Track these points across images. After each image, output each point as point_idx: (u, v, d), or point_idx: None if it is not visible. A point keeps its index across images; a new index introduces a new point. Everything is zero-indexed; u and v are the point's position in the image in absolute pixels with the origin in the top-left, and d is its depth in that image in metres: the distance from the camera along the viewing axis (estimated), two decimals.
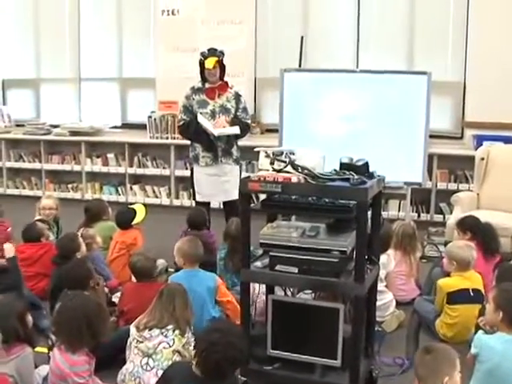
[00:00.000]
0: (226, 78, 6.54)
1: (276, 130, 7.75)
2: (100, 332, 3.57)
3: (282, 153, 3.56)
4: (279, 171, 3.49)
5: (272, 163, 3.50)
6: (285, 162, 3.51)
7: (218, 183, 6.47)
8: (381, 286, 4.83)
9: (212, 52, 6.36)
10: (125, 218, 6.02)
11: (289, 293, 4.00)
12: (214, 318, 4.52)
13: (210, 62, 6.27)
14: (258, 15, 8.56)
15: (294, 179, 3.44)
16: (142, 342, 3.82)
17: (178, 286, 4.08)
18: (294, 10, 8.54)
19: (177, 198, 8.70)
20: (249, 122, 6.54)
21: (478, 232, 5.21)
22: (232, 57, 8.25)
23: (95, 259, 5.27)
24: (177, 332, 3.85)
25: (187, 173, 8.45)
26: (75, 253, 5.03)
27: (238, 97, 6.42)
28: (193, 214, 6.13)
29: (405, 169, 6.47)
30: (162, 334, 3.83)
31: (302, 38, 8.26)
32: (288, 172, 3.49)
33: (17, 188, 9.54)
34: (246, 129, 6.49)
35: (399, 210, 7.76)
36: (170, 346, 3.81)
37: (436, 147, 7.47)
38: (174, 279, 4.58)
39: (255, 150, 3.71)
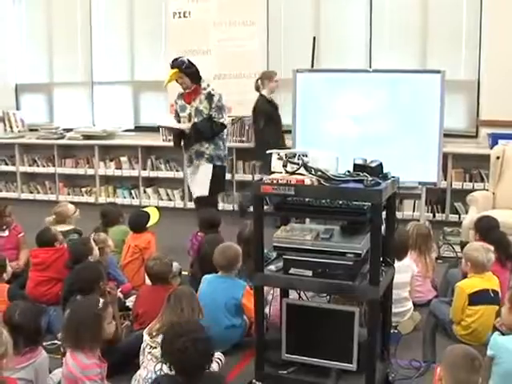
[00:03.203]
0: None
1: (289, 131, 7.73)
2: (95, 337, 3.56)
3: (294, 155, 3.51)
4: (292, 173, 3.45)
5: (285, 165, 3.47)
6: (297, 164, 3.46)
7: (192, 181, 6.91)
8: (405, 292, 4.79)
9: (171, 64, 6.65)
10: (139, 221, 6.00)
11: (303, 296, 3.97)
12: (232, 327, 4.52)
13: (169, 77, 6.73)
14: (269, 16, 8.54)
15: (307, 181, 3.39)
16: (155, 348, 3.78)
17: (185, 290, 4.06)
18: (306, 10, 8.54)
19: (190, 200, 8.64)
20: (222, 120, 6.63)
21: (488, 237, 5.11)
22: (244, 58, 8.34)
23: (109, 263, 5.26)
24: None
25: None
26: (87, 257, 5.00)
27: (209, 97, 6.60)
28: (203, 216, 6.11)
29: (419, 168, 6.40)
30: None
31: (315, 38, 8.22)
32: (301, 174, 3.45)
33: (31, 192, 9.57)
34: (219, 128, 6.65)
35: (414, 211, 7.69)
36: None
37: (450, 146, 7.40)
38: (205, 280, 4.65)
39: (267, 152, 3.67)
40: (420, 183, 6.59)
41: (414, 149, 6.44)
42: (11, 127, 9.81)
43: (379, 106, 6.59)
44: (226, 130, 6.89)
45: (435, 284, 5.48)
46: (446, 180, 7.50)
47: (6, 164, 9.58)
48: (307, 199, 3.56)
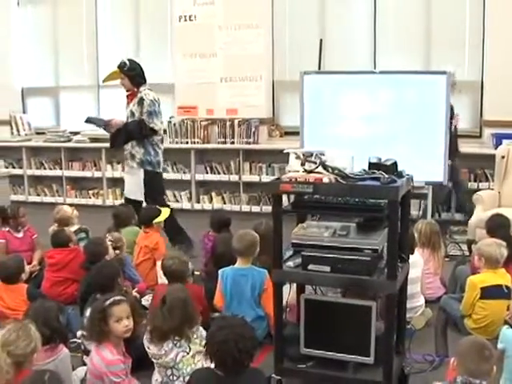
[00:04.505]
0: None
1: (295, 133, 7.84)
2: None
3: (311, 154, 3.60)
4: (310, 172, 3.54)
5: (303, 164, 3.55)
6: (315, 162, 3.55)
7: (127, 182, 6.98)
8: (417, 288, 4.88)
9: (118, 65, 6.71)
10: (148, 214, 6.09)
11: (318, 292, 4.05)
12: (258, 318, 4.60)
13: (108, 74, 6.99)
14: (274, 19, 8.66)
15: (326, 180, 3.48)
16: (159, 358, 3.82)
17: (180, 294, 3.96)
18: (311, 12, 8.64)
19: (198, 202, 8.77)
20: (152, 125, 6.63)
21: (496, 235, 5.17)
22: (249, 61, 8.43)
23: (125, 262, 5.35)
24: (186, 338, 3.86)
25: (208, 177, 8.60)
26: (103, 257, 5.10)
27: (141, 101, 6.63)
28: (214, 216, 6.20)
29: (425, 168, 6.47)
30: (176, 345, 3.81)
31: (321, 40, 8.31)
32: (319, 173, 3.54)
33: (38, 195, 9.66)
34: (148, 131, 6.63)
35: (420, 210, 7.77)
36: (187, 353, 3.82)
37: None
38: (224, 274, 4.72)
39: (284, 151, 3.76)
40: (426, 183, 6.68)
41: (421, 149, 6.51)
42: (18, 131, 9.90)
43: (386, 107, 6.67)
44: (159, 137, 6.83)
45: (444, 281, 5.57)
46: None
47: (14, 167, 9.65)
48: (323, 197, 3.65)
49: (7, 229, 6.06)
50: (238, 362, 3.15)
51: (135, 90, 6.66)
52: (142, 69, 6.72)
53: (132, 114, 6.66)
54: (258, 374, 3.35)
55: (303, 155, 3.61)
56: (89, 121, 6.95)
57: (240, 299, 4.63)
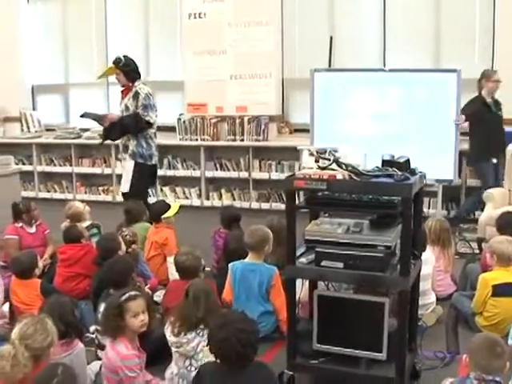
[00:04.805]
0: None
1: (304, 130, 7.86)
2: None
3: (325, 151, 3.63)
4: (324, 168, 3.56)
5: (317, 161, 3.57)
6: (329, 159, 3.57)
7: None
8: (428, 285, 4.90)
9: (113, 61, 6.83)
10: (158, 209, 6.13)
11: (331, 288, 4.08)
12: (266, 313, 4.64)
13: (104, 70, 7.14)
14: (284, 16, 8.65)
15: (339, 176, 3.50)
16: (181, 346, 3.87)
17: (203, 286, 4.08)
18: (320, 10, 8.65)
19: (207, 198, 8.79)
20: (147, 118, 6.70)
21: (507, 233, 5.18)
22: (259, 58, 8.44)
23: (138, 258, 5.39)
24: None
25: (217, 174, 8.62)
26: (116, 252, 5.12)
27: (136, 95, 6.71)
28: (224, 213, 6.22)
29: (435, 166, 6.46)
30: (198, 334, 3.85)
31: (332, 38, 8.31)
32: (332, 169, 3.56)
33: (48, 191, 9.71)
34: (143, 124, 6.69)
35: (429, 207, 7.78)
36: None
37: (465, 144, 7.47)
38: (234, 268, 4.76)
39: (298, 148, 3.79)
40: (436, 180, 6.69)
41: (431, 147, 6.55)
42: (28, 127, 9.94)
43: (396, 104, 6.70)
44: (153, 130, 6.87)
45: (455, 278, 5.57)
46: (460, 177, 7.56)
47: (24, 163, 9.67)
48: (337, 194, 3.68)
49: (20, 225, 6.08)
50: (243, 356, 3.17)
51: (130, 84, 6.76)
52: (136, 65, 6.83)
53: (127, 108, 6.74)
54: (262, 366, 3.36)
55: (317, 152, 3.63)
56: (84, 115, 7.02)
57: (248, 294, 4.67)
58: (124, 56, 6.81)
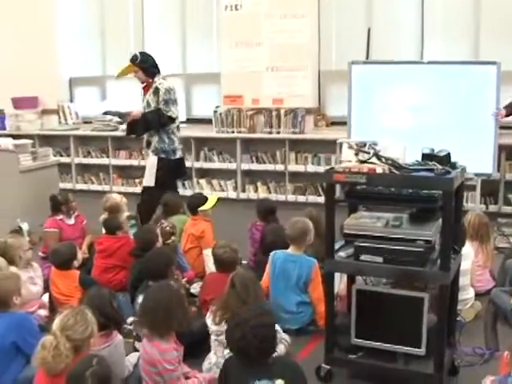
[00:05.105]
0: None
1: (341, 123, 7.82)
2: (185, 318, 3.67)
3: (365, 144, 3.60)
4: (364, 162, 3.53)
5: (357, 154, 3.55)
6: (368, 153, 3.55)
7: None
8: (467, 280, 4.85)
9: (130, 59, 6.79)
10: (195, 201, 6.12)
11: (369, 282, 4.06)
12: (303, 303, 4.63)
13: (122, 69, 6.96)
14: (320, 8, 8.59)
15: (379, 170, 3.48)
16: (221, 335, 3.87)
17: (249, 275, 4.15)
18: (357, 1, 8.57)
19: (243, 191, 8.79)
20: (170, 113, 6.71)
21: None
22: (295, 50, 8.42)
23: (177, 250, 5.42)
24: None
25: (253, 166, 8.62)
26: (154, 244, 5.16)
27: (156, 91, 6.70)
28: (260, 205, 6.21)
29: (474, 160, 6.37)
30: None
31: (369, 29, 8.24)
32: (372, 163, 3.53)
33: (85, 183, 9.79)
34: (166, 120, 6.70)
35: (467, 202, 7.67)
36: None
37: (505, 138, 7.36)
38: (274, 257, 4.77)
39: (338, 141, 3.78)
40: (475, 174, 6.61)
41: (469, 140, 6.46)
42: (66, 120, 10.04)
43: (434, 97, 6.62)
44: (175, 124, 6.88)
45: (493, 274, 5.50)
46: (499, 172, 7.45)
47: (62, 155, 9.77)
48: (376, 187, 3.65)
49: (60, 217, 6.14)
50: (262, 350, 3.16)
51: (150, 80, 6.75)
52: (154, 59, 6.80)
53: (148, 104, 6.75)
54: (291, 363, 3.38)
55: (356, 145, 3.61)
56: (107, 113, 7.29)
57: (286, 284, 4.66)
58: (140, 52, 6.85)
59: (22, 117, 9.95)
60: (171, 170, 6.89)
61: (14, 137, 8.13)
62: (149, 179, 6.82)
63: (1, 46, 10.07)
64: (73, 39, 10.29)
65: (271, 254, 4.83)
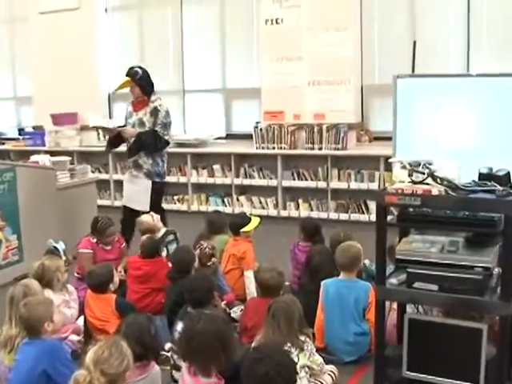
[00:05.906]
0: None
1: (385, 138, 7.60)
2: (234, 352, 3.45)
3: (419, 163, 3.38)
4: (418, 183, 3.31)
5: (410, 175, 3.33)
6: (423, 173, 3.32)
7: (129, 190, 6.83)
8: None
9: (127, 72, 6.63)
10: (237, 222, 5.94)
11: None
12: (361, 334, 4.40)
13: (120, 84, 6.73)
14: (363, 21, 8.42)
15: (435, 191, 3.25)
16: None
17: (281, 304, 3.87)
18: (400, 14, 8.36)
19: (284, 208, 8.62)
20: (167, 137, 6.57)
21: None
22: (337, 64, 8.26)
23: (217, 272, 5.23)
24: (297, 347, 3.71)
25: (294, 183, 8.44)
26: (192, 265, 4.99)
27: (155, 112, 6.52)
28: (304, 225, 5.99)
29: None
30: None
31: (415, 42, 8.00)
32: (426, 184, 3.31)
33: None
34: (163, 144, 6.56)
35: None
36: (296, 363, 3.67)
37: None
38: (326, 286, 4.55)
39: (389, 161, 3.55)
40: None
41: None
42: (104, 136, 9.95)
43: (484, 112, 6.33)
44: (167, 148, 6.79)
45: None
46: None
47: (100, 172, 9.71)
48: (430, 210, 3.42)
49: (95, 240, 5.87)
50: None
51: (146, 98, 6.57)
52: (149, 76, 6.65)
53: (142, 123, 6.54)
54: None
55: (410, 165, 3.39)
56: (96, 127, 7.40)
57: (342, 311, 4.41)
58: (140, 67, 6.68)
59: (62, 133, 9.97)
60: (162, 193, 6.98)
61: (53, 153, 8.11)
62: (143, 203, 6.57)
63: (42, 63, 10.12)
64: (112, 55, 10.27)
65: (322, 283, 4.58)
